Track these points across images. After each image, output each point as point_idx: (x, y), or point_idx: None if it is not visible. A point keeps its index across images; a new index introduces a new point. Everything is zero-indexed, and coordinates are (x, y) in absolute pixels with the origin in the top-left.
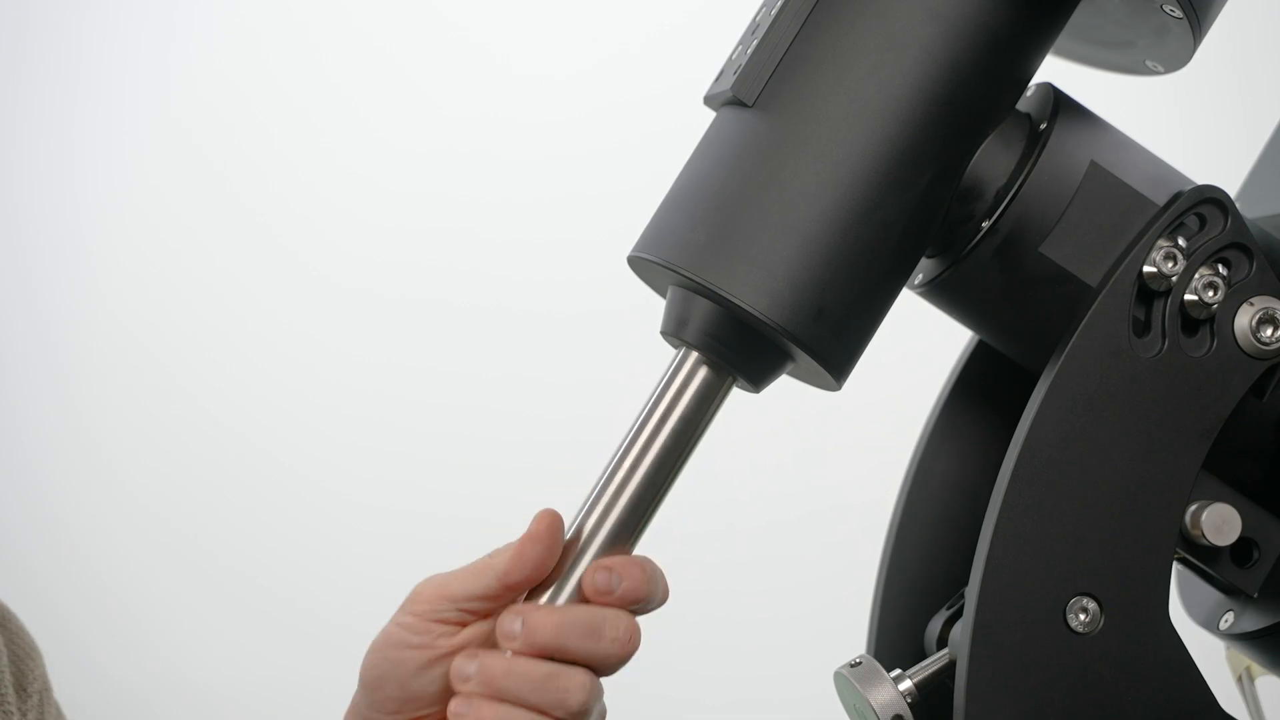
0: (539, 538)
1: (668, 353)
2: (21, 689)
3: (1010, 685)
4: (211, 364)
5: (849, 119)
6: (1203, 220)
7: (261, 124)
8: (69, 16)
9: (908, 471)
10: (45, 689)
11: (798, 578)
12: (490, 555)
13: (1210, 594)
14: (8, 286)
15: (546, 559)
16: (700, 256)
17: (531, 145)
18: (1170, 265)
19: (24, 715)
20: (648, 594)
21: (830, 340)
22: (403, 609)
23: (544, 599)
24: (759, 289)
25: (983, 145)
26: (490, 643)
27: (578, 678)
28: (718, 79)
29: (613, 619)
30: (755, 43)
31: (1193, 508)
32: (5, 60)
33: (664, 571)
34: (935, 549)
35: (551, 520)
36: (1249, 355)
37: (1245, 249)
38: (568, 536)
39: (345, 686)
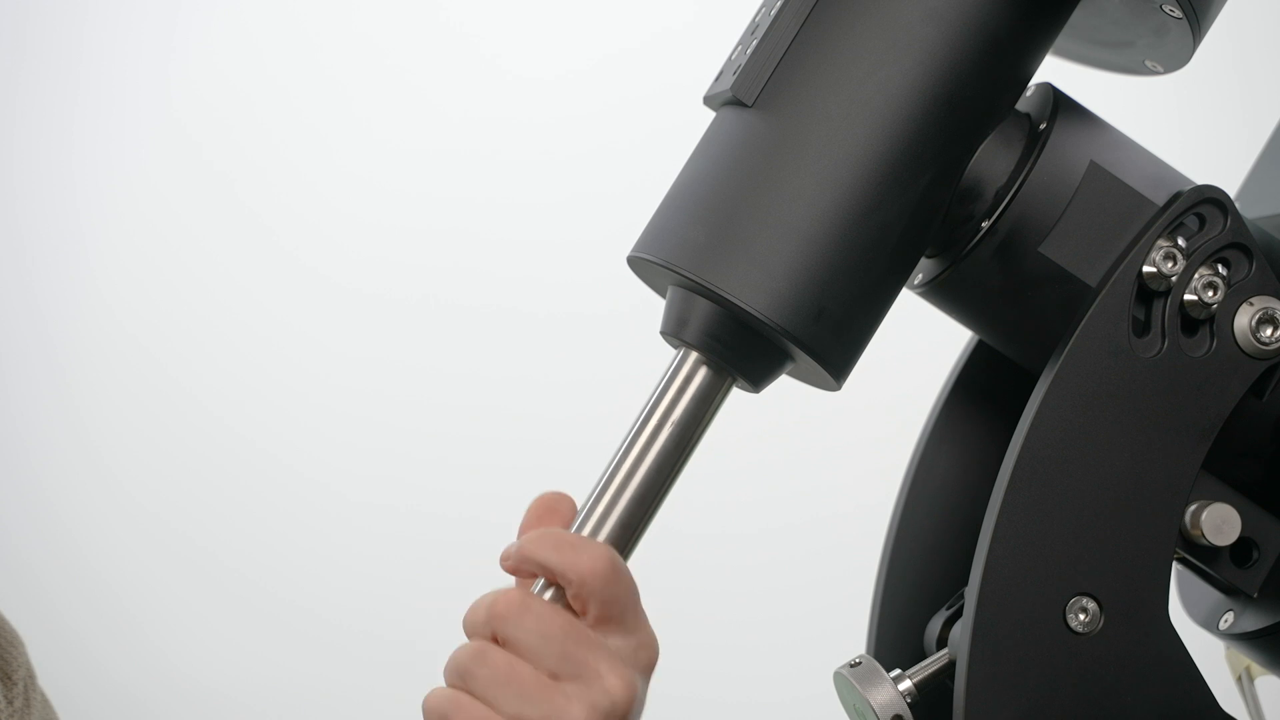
0: (534, 516)
1: (668, 353)
2: (7, 677)
3: (1010, 685)
4: (211, 364)
5: (849, 119)
6: (1202, 220)
7: (261, 124)
8: (69, 16)
9: (907, 471)
10: (30, 676)
11: (798, 578)
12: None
13: (1210, 594)
14: (8, 286)
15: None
16: (700, 256)
17: (531, 145)
18: (1170, 265)
19: (10, 703)
20: (536, 557)
21: (830, 340)
22: None
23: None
24: (759, 289)
25: (982, 145)
26: None
27: (466, 647)
28: (717, 79)
29: (490, 593)
30: (755, 43)
31: (1192, 508)
32: (5, 60)
33: (602, 550)
34: (935, 549)
35: (545, 500)
36: (1249, 355)
37: (1245, 249)
38: None
39: (345, 687)
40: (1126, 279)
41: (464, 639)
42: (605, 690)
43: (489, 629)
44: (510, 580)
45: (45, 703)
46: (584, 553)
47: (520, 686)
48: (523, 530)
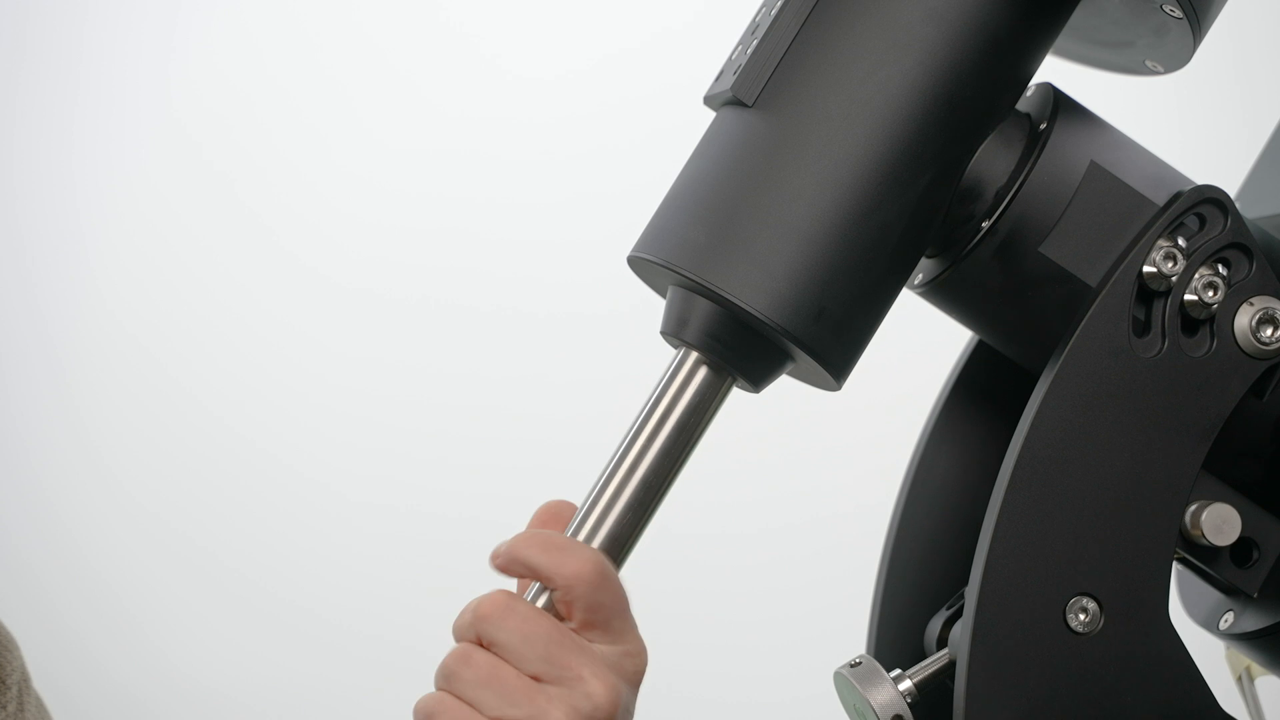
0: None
1: (668, 353)
2: (1, 680)
3: (1010, 685)
4: (211, 364)
5: (849, 119)
6: (1202, 220)
7: (261, 124)
8: (69, 16)
9: (907, 472)
10: (24, 680)
11: (798, 578)
12: None
13: (1210, 594)
14: (8, 286)
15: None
16: (700, 256)
17: (531, 145)
18: (1170, 265)
19: (3, 707)
20: (521, 558)
21: (830, 340)
22: None
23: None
24: (759, 289)
25: (982, 145)
26: None
27: (453, 651)
28: (718, 79)
29: (479, 598)
30: (755, 43)
31: (1193, 508)
32: (5, 60)
33: (587, 551)
34: (935, 549)
35: (549, 509)
36: (1249, 355)
37: (1245, 249)
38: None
39: (345, 686)
40: (1126, 279)
41: (454, 642)
42: (587, 694)
43: (474, 631)
44: (503, 581)
45: (40, 706)
46: (572, 556)
47: (502, 687)
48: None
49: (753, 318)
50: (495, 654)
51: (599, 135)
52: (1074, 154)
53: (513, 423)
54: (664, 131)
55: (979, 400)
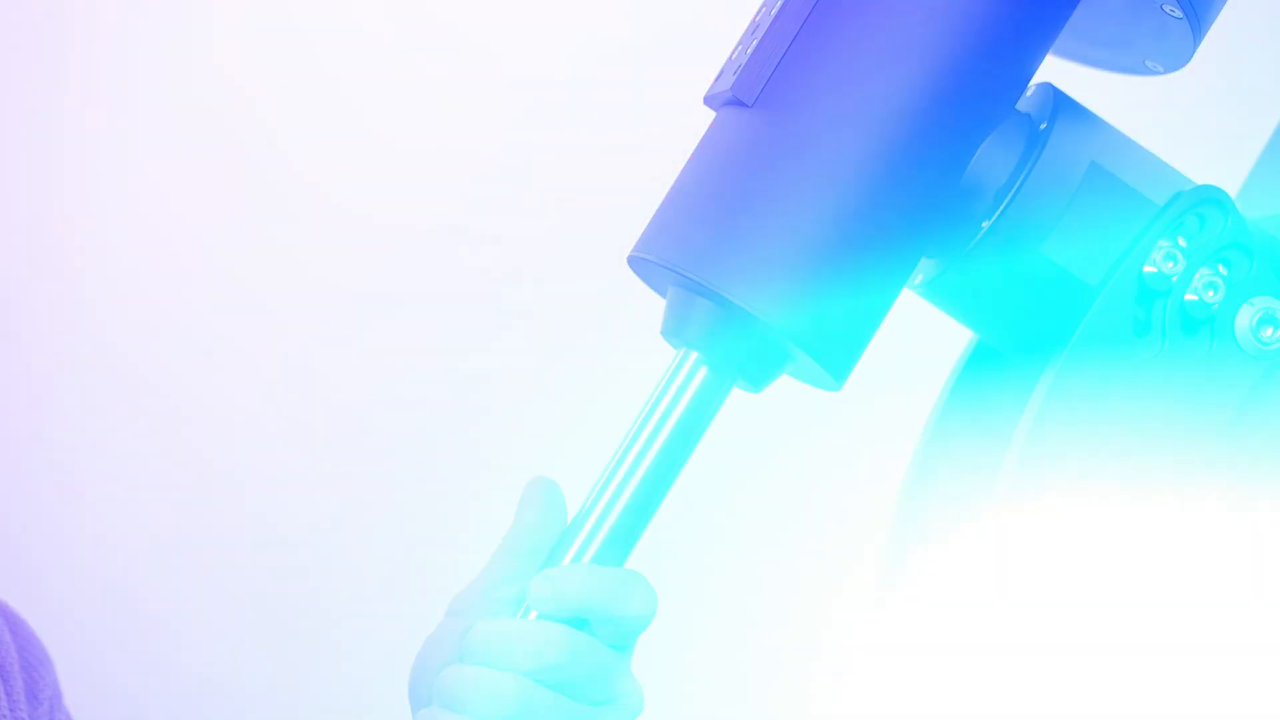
0: (531, 500)
1: (668, 353)
2: (33, 695)
3: None
4: (211, 363)
5: (849, 119)
6: (1203, 220)
7: (261, 124)
8: (69, 15)
9: (907, 472)
10: (55, 695)
11: (798, 578)
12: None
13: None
14: (8, 286)
15: (546, 518)
16: (700, 257)
17: (532, 145)
18: (1170, 265)
19: None
20: (584, 603)
21: (830, 340)
22: (444, 618)
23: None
24: (759, 289)
25: (982, 145)
26: None
27: (502, 683)
28: (718, 79)
29: (529, 633)
30: (755, 43)
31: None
32: (5, 59)
33: (649, 588)
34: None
35: (542, 484)
36: (1249, 355)
37: (1245, 249)
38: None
39: (345, 687)
40: (1127, 279)
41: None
42: (627, 706)
43: (525, 666)
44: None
45: None
46: (636, 596)
47: None
48: (531, 513)
49: (753, 318)
50: (556, 690)
51: (599, 135)
52: (1074, 154)
53: (512, 422)
54: (664, 131)
55: (979, 401)
